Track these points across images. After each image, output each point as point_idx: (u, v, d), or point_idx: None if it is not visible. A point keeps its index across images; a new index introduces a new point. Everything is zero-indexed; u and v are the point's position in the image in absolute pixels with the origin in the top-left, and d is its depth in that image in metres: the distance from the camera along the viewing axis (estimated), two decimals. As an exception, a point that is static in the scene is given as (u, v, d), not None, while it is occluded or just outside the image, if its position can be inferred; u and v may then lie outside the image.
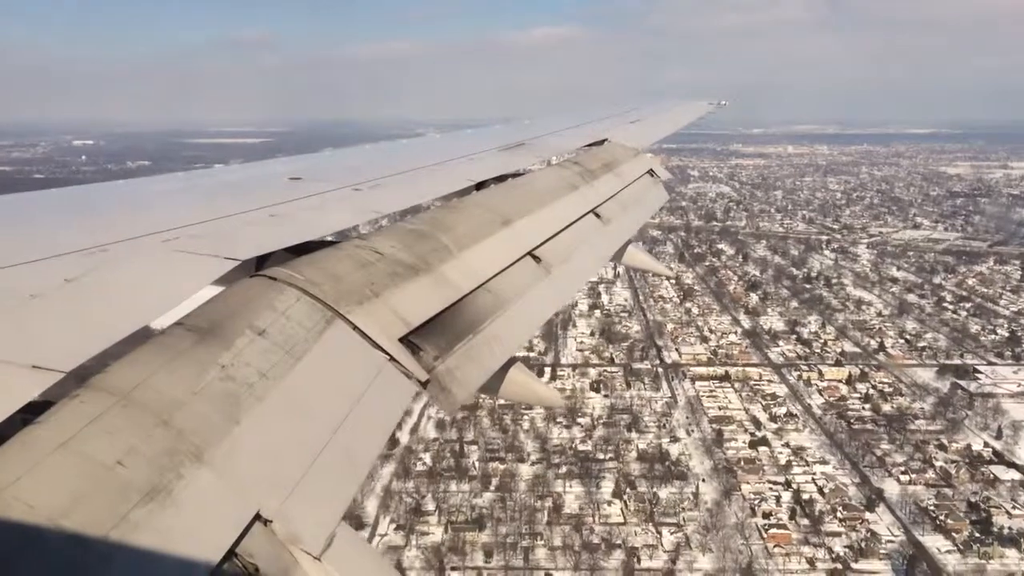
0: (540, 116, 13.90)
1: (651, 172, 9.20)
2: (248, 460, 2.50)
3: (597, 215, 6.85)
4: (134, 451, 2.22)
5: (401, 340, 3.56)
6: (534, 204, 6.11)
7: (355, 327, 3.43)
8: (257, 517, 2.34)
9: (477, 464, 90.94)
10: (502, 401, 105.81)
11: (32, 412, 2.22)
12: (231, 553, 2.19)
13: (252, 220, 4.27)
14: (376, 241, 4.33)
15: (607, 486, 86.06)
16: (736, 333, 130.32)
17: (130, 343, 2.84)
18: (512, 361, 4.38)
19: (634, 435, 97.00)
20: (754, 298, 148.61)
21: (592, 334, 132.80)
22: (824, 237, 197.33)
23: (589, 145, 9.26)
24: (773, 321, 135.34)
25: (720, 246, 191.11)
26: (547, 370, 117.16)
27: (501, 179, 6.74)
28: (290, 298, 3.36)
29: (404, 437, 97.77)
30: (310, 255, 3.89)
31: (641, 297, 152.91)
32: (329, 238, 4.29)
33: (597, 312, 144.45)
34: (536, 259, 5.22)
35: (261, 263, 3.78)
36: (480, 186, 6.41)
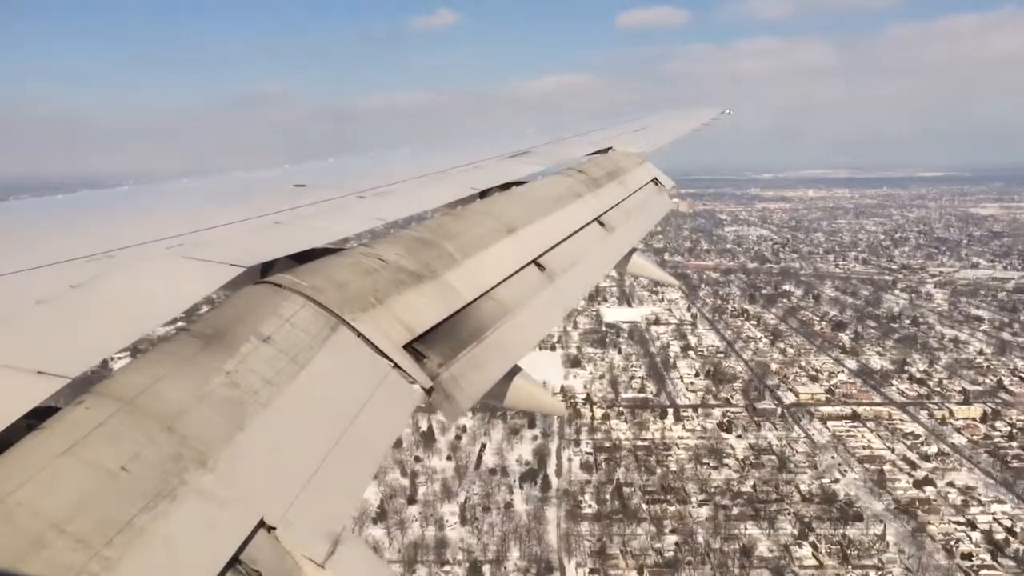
0: (544, 126, 13.63)
1: (655, 180, 9.12)
2: (252, 467, 2.49)
3: (601, 223, 6.82)
4: (138, 457, 2.22)
5: (405, 347, 3.56)
6: (538, 212, 6.11)
7: (359, 334, 3.43)
8: (261, 524, 2.33)
9: (644, 506, 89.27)
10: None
11: (37, 417, 2.21)
12: (235, 560, 2.18)
13: (257, 227, 4.30)
14: (380, 248, 4.33)
15: (783, 528, 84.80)
16: (844, 372, 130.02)
17: (135, 349, 2.87)
18: (516, 369, 4.36)
19: (787, 476, 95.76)
20: (845, 338, 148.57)
21: (697, 375, 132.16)
22: (888, 277, 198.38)
23: (593, 153, 9.19)
24: (875, 360, 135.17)
25: (786, 287, 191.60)
26: (669, 411, 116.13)
27: (505, 187, 6.73)
28: (295, 305, 3.36)
29: (553, 480, 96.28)
30: (315, 262, 3.90)
31: (729, 337, 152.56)
32: (333, 245, 4.29)
33: (691, 353, 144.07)
34: (540, 267, 5.23)
35: (266, 270, 3.80)
36: (484, 194, 6.42)
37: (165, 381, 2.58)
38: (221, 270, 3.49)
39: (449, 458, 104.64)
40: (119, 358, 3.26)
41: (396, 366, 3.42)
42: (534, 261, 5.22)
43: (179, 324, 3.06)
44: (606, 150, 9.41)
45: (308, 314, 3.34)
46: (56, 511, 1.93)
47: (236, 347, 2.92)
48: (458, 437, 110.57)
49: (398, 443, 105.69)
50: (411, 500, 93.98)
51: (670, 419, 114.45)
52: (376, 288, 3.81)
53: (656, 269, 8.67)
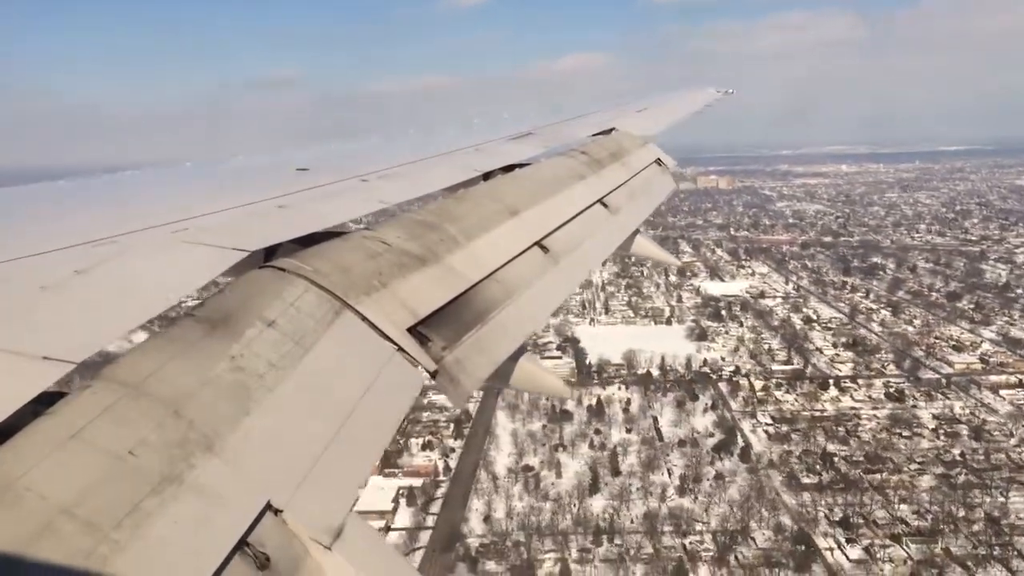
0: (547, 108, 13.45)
1: (658, 161, 9.06)
2: (259, 450, 2.50)
3: (605, 204, 6.78)
4: (145, 442, 2.24)
5: (409, 330, 3.54)
6: (541, 194, 6.07)
7: (364, 318, 3.41)
8: (268, 507, 2.35)
9: (862, 475, 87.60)
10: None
11: (44, 403, 2.23)
12: (242, 543, 2.19)
13: (260, 211, 4.26)
14: (384, 232, 4.31)
15: (1015, 496, 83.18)
16: (986, 343, 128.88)
17: (141, 334, 2.87)
18: (521, 351, 4.31)
19: (989, 444, 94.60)
20: (966, 308, 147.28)
21: (835, 346, 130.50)
22: (973, 248, 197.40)
23: (596, 134, 9.11)
24: (1010, 329, 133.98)
25: (875, 260, 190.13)
26: (830, 382, 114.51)
27: (508, 169, 6.67)
28: (299, 289, 3.34)
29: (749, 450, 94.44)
30: (318, 246, 3.87)
31: (844, 310, 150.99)
32: (337, 229, 4.24)
33: (816, 326, 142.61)
34: (544, 249, 5.20)
35: (270, 254, 3.76)
36: (487, 176, 6.37)
37: (171, 366, 2.57)
38: (225, 255, 3.44)
39: (629, 431, 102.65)
40: (126, 343, 3.04)
41: (400, 349, 3.39)
42: (538, 243, 5.19)
43: (184, 309, 3.02)
44: (609, 131, 9.29)
45: (312, 298, 3.31)
46: (65, 495, 1.94)
47: (241, 331, 2.90)
48: (625, 410, 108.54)
49: (569, 416, 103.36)
50: (615, 472, 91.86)
51: (832, 390, 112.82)
52: (380, 271, 3.78)
53: (660, 250, 8.54)
